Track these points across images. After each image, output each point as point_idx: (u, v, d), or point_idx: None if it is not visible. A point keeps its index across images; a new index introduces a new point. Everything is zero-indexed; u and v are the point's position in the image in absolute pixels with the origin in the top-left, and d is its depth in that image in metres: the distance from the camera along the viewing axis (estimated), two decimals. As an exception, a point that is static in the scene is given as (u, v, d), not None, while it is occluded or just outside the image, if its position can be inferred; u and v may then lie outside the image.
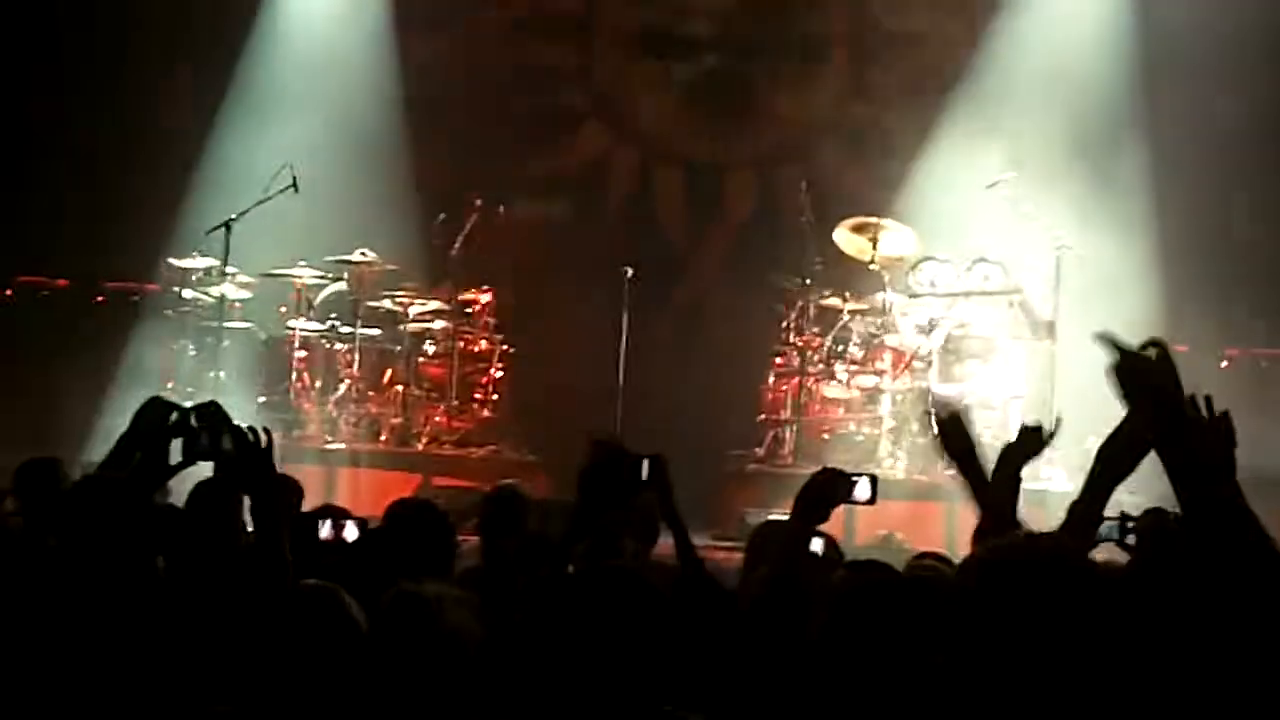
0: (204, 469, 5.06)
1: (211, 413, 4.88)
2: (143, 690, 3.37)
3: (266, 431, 4.61)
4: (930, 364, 13.23)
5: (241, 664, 3.61)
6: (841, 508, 4.73)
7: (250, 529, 4.62)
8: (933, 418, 4.85)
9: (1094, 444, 3.95)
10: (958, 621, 2.88)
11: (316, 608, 3.67)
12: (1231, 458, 3.51)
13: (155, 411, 5.08)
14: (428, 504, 5.93)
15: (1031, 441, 4.62)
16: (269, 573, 4.10)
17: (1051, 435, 4.58)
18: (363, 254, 14.01)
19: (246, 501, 4.66)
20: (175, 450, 4.88)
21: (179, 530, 4.77)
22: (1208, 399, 3.48)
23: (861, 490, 4.67)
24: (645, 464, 4.75)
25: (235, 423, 4.72)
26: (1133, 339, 3.54)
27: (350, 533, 5.30)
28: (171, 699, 3.19)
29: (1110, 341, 3.50)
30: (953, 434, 4.60)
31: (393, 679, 3.59)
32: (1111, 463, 3.84)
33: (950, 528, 11.29)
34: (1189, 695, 3.24)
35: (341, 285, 14.06)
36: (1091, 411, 3.81)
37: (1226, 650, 3.21)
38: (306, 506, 7.24)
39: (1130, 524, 4.81)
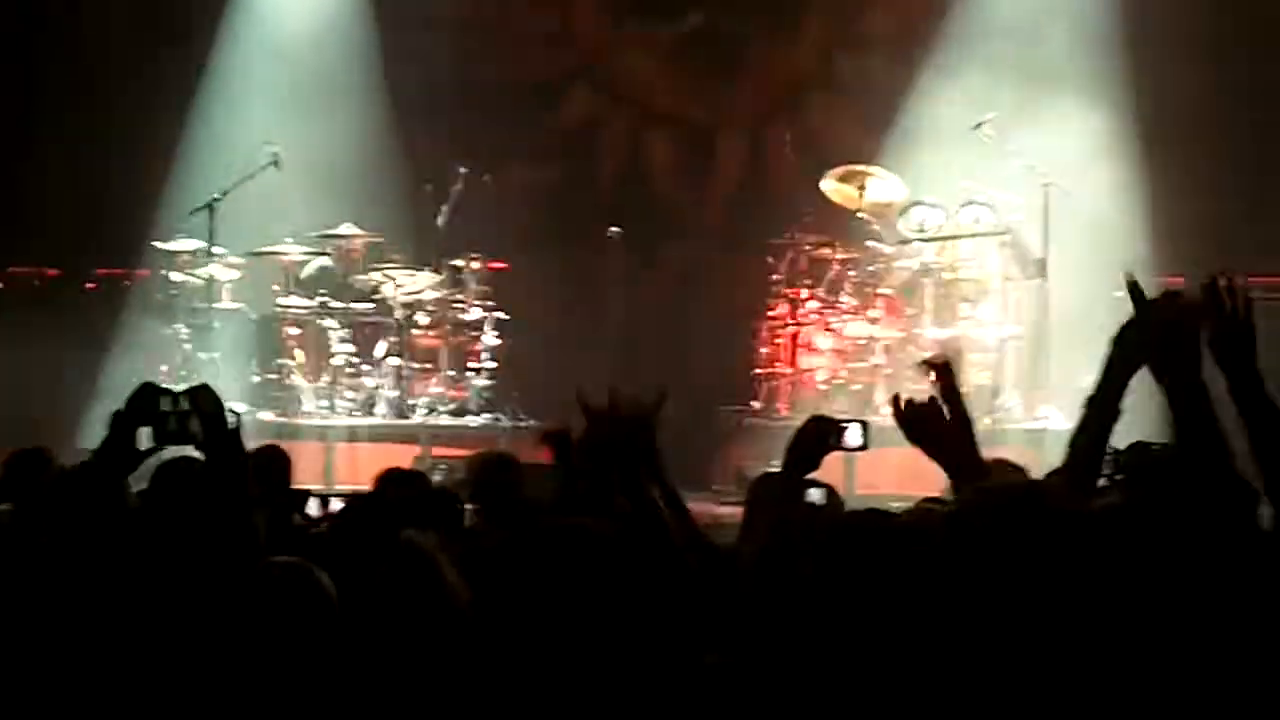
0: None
1: (204, 396, 4.86)
2: (116, 668, 3.38)
3: (234, 413, 4.60)
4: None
5: (213, 642, 3.60)
6: (840, 457, 4.72)
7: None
8: (926, 363, 4.80)
9: (1089, 381, 3.95)
10: (943, 566, 2.87)
11: (287, 584, 3.66)
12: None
13: (147, 397, 5.07)
14: (419, 475, 5.94)
15: (944, 375, 4.61)
16: (240, 552, 4.09)
17: (948, 361, 4.58)
18: (348, 228, 13.98)
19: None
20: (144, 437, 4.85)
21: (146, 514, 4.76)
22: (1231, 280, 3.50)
23: (852, 436, 4.66)
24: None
25: (205, 406, 4.69)
26: (1124, 272, 3.56)
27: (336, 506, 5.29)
28: (145, 678, 3.19)
29: (1135, 289, 3.51)
30: (944, 379, 4.59)
31: (394, 634, 3.59)
32: (1104, 404, 3.83)
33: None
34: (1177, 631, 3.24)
35: (325, 260, 14.03)
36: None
37: (1214, 585, 3.22)
38: (307, 483, 7.27)
39: (1119, 459, 4.80)
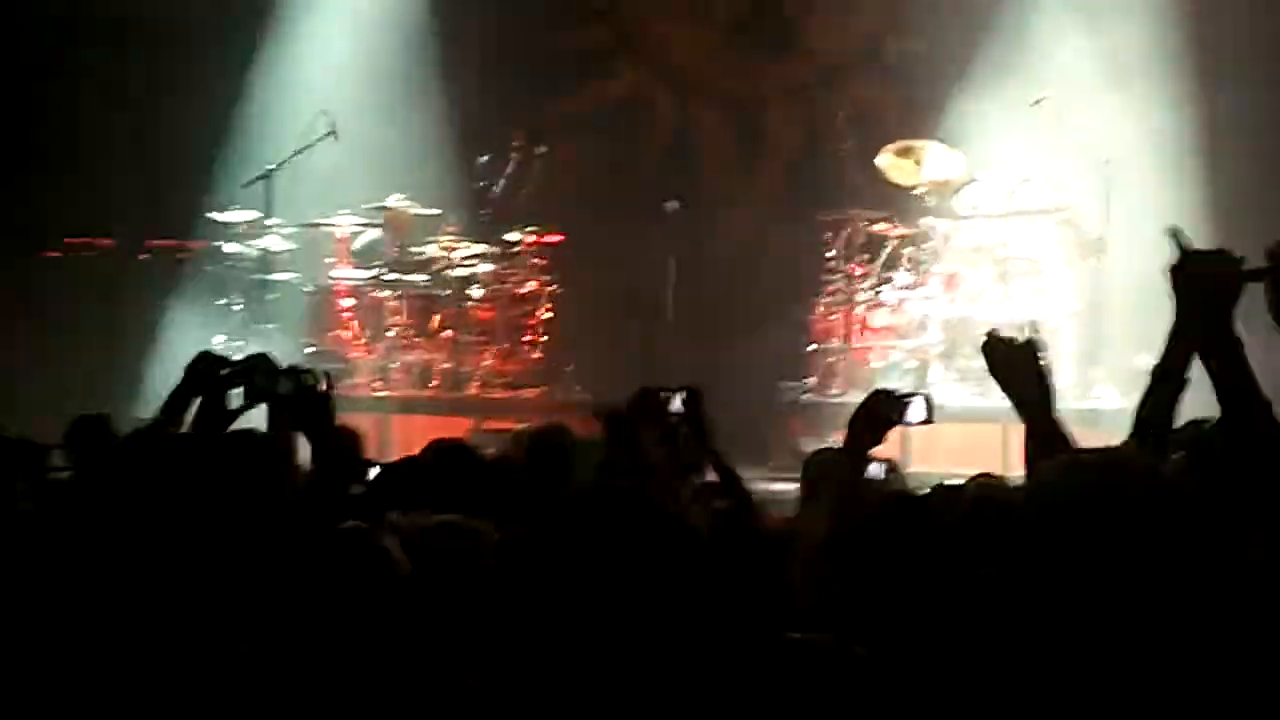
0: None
1: (262, 365, 4.87)
2: (181, 631, 3.37)
3: (327, 375, 4.61)
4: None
5: (281, 605, 3.59)
6: (896, 432, 4.67)
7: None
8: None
9: (1144, 361, 3.89)
10: (1029, 538, 2.83)
11: (357, 549, 3.64)
12: None
13: (205, 366, 5.08)
14: (464, 445, 5.94)
15: (1024, 352, 4.54)
16: (326, 514, 4.08)
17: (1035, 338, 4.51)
18: (402, 200, 13.97)
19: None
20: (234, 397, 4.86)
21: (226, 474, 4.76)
22: None
23: (916, 411, 4.61)
24: (678, 397, 4.68)
25: (293, 365, 4.72)
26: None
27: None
28: (208, 640, 3.18)
29: (1177, 239, 3.44)
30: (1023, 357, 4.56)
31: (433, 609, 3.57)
32: (1166, 378, 3.76)
33: (1005, 449, 11.20)
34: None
35: (380, 233, 14.02)
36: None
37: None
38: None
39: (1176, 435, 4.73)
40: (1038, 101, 13.38)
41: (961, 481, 5.30)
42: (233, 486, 4.63)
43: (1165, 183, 13.59)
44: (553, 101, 15.75)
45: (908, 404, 4.61)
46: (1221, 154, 13.90)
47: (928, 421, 4.63)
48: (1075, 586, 2.83)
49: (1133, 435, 3.81)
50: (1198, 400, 3.84)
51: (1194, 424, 4.46)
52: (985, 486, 4.63)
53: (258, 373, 4.67)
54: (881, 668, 2.94)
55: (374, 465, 5.74)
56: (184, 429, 4.82)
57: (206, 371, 5.00)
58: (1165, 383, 3.75)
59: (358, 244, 14.05)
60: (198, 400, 4.64)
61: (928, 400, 4.65)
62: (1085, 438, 4.88)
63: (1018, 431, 4.64)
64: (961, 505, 3.47)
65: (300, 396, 4.55)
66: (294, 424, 4.60)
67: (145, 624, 3.40)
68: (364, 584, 3.56)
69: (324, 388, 4.59)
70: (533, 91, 15.48)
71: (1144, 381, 3.89)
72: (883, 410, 4.55)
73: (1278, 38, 14.11)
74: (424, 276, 14.01)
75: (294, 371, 4.64)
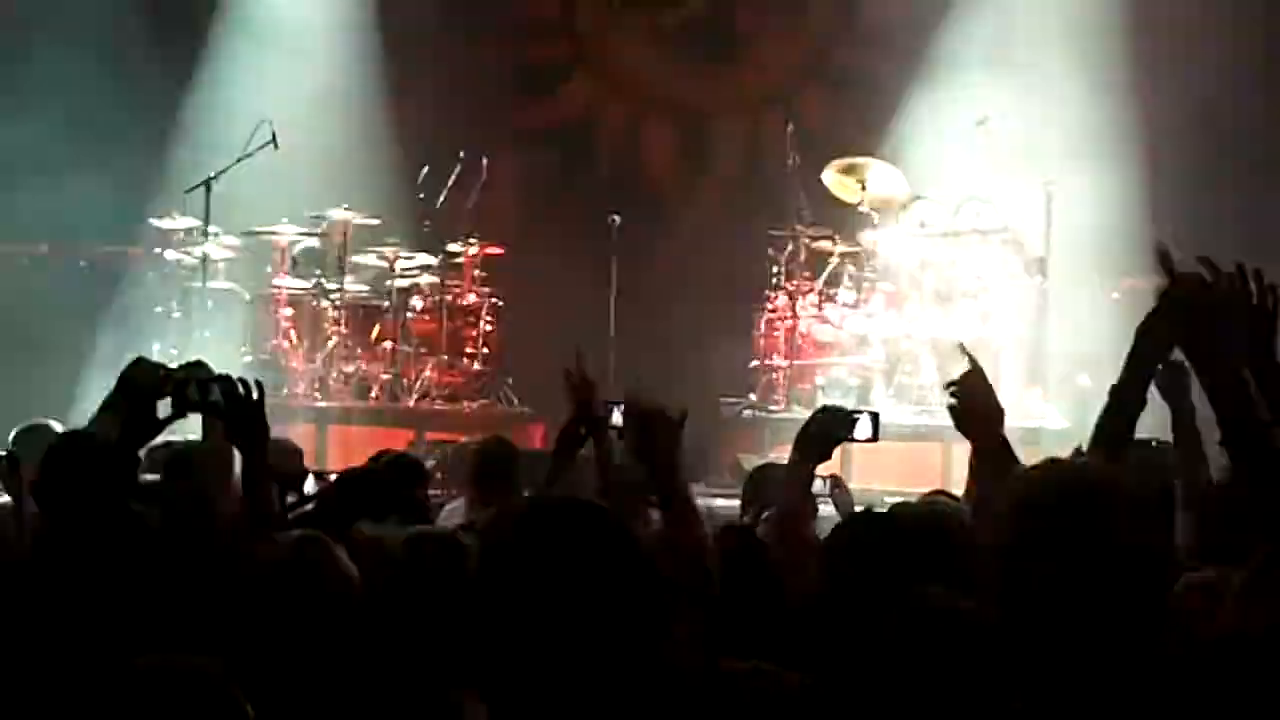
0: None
1: (198, 372, 4.82)
2: (128, 645, 3.30)
3: (259, 385, 4.54)
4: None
5: (230, 617, 3.53)
6: (839, 449, 4.66)
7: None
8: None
9: (1086, 381, 3.89)
10: (992, 557, 2.80)
11: (305, 558, 3.58)
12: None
13: (141, 372, 5.02)
14: (405, 456, 5.90)
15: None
16: (257, 524, 4.02)
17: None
18: (344, 210, 13.90)
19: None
20: (163, 407, 4.80)
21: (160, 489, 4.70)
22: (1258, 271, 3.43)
23: (862, 428, 4.60)
24: (618, 410, 4.64)
25: (226, 374, 4.66)
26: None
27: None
28: (156, 653, 3.11)
29: (1165, 260, 3.44)
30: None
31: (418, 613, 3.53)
32: (1129, 392, 3.77)
33: (947, 467, 11.22)
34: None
35: (318, 242, 13.94)
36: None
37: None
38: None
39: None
40: (981, 121, 13.41)
41: (912, 499, 5.29)
42: (167, 497, 4.56)
43: (1106, 203, 13.63)
44: (500, 115, 15.72)
45: (855, 421, 4.60)
46: (1162, 173, 13.95)
47: (874, 439, 4.62)
48: (1037, 605, 2.80)
49: (1091, 451, 3.80)
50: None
51: (1140, 443, 4.46)
52: (939, 504, 4.61)
53: (189, 382, 4.60)
54: (813, 693, 2.90)
55: (308, 475, 5.70)
56: (114, 437, 4.75)
57: (140, 379, 4.94)
58: (1125, 402, 3.75)
59: (298, 253, 13.95)
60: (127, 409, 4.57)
61: (874, 418, 4.64)
62: (1028, 457, 4.87)
63: (959, 449, 4.63)
64: (916, 523, 3.45)
65: (232, 406, 4.49)
66: (229, 434, 4.53)
67: (80, 638, 3.34)
68: (318, 592, 3.51)
69: (256, 397, 4.52)
70: (480, 104, 15.45)
71: (1085, 400, 3.90)
72: (830, 427, 4.53)
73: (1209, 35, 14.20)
74: (364, 287, 13.96)
75: (226, 381, 4.57)
